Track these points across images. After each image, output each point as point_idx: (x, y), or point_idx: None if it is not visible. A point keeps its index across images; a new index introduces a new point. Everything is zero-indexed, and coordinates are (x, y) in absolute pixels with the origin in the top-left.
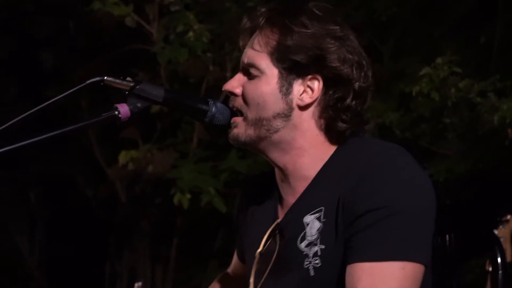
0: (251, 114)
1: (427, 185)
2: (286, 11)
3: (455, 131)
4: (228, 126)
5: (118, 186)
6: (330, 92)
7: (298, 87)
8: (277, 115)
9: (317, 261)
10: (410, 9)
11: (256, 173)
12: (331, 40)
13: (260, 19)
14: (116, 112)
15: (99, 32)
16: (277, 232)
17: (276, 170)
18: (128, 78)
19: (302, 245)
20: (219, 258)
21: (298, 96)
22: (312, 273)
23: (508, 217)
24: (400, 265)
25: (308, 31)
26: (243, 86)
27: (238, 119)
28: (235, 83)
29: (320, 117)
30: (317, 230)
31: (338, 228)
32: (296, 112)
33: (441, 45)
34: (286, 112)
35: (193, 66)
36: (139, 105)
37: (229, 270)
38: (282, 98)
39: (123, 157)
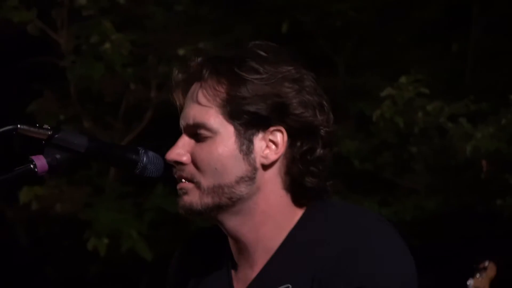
0: (206, 182)
1: (408, 261)
2: (229, 58)
3: (423, 162)
4: (159, 177)
5: (18, 228)
6: (298, 143)
7: (259, 143)
8: (241, 179)
9: None
10: (368, 14)
11: (198, 232)
12: (288, 84)
13: (203, 70)
14: (32, 166)
15: None
16: None
17: (234, 241)
18: (46, 126)
19: None
20: None
21: (261, 154)
22: None
23: (486, 263)
24: None
25: (262, 76)
26: (192, 152)
27: (188, 185)
28: (181, 150)
29: (286, 173)
30: None
31: None
32: (260, 172)
33: (406, 55)
34: (250, 175)
35: (110, 84)
36: (58, 156)
37: None
38: (243, 158)
39: (25, 195)
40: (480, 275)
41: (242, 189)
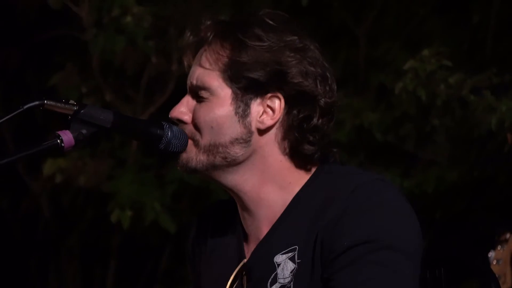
0: (204, 140)
1: (412, 220)
2: (236, 23)
3: (445, 134)
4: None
5: (42, 199)
6: (294, 111)
7: (256, 107)
8: (235, 141)
9: None
10: None
11: (214, 202)
12: (290, 53)
13: (208, 33)
14: (59, 141)
15: (15, 15)
16: (244, 273)
17: (237, 200)
18: (71, 101)
19: None
20: (164, 282)
21: (258, 118)
22: None
23: (508, 235)
24: None
25: (264, 44)
26: (193, 111)
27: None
28: (184, 109)
29: (283, 140)
30: (291, 272)
31: (314, 269)
32: (256, 136)
33: (426, 26)
34: (244, 137)
35: (131, 57)
36: (84, 131)
37: None
38: (239, 121)
39: (49, 167)
40: (501, 247)
41: (237, 151)
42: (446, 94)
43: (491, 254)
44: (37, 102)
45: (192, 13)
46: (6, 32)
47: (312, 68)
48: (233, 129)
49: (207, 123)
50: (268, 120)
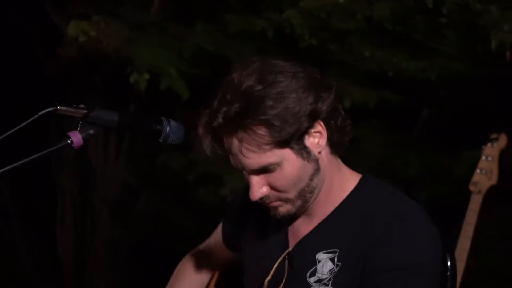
0: (292, 194)
1: (439, 245)
2: (245, 109)
3: (454, 29)
4: (182, 144)
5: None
6: (332, 122)
7: (310, 141)
8: (312, 176)
9: None
10: None
11: None
12: (303, 92)
13: (232, 125)
14: (69, 141)
15: None
16: (286, 259)
17: None
18: (81, 105)
19: (312, 280)
20: None
21: (315, 146)
22: None
23: (499, 135)
24: None
25: (283, 104)
26: (268, 182)
27: (279, 203)
28: (259, 187)
29: (332, 144)
30: (329, 271)
31: (354, 278)
32: (321, 159)
33: None
34: (316, 167)
35: None
36: (91, 132)
37: (202, 246)
38: (308, 162)
39: (73, 29)
40: (491, 144)
41: (315, 180)
42: (452, 1)
43: (483, 147)
44: (51, 108)
45: None
46: None
47: (324, 85)
48: (307, 171)
49: (289, 183)
50: (322, 141)
